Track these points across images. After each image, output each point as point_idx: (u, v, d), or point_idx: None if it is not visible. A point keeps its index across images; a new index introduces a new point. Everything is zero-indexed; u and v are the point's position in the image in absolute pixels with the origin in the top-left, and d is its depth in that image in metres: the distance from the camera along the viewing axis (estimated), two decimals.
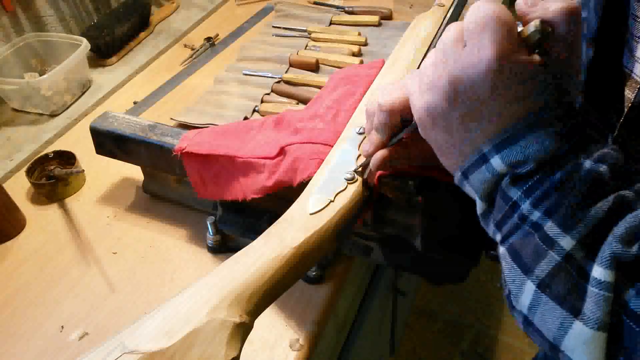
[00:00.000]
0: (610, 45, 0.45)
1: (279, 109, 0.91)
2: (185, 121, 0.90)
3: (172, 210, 0.79)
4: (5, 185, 0.78)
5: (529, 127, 0.35)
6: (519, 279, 0.35)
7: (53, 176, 0.83)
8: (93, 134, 0.74)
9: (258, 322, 0.43)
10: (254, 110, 0.92)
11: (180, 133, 0.69)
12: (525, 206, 0.35)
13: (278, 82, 0.99)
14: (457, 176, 0.40)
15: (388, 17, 1.18)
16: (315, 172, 0.55)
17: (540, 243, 0.34)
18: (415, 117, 0.41)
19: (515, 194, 0.35)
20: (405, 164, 0.50)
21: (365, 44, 1.09)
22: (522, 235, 0.35)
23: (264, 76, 1.00)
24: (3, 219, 0.76)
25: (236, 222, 0.70)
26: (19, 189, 0.85)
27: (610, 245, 0.31)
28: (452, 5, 0.88)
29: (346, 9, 1.21)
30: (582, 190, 0.33)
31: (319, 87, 0.95)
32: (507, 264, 0.36)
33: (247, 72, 1.02)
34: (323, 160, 0.56)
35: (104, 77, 1.09)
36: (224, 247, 0.72)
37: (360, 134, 0.59)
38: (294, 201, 0.51)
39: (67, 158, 0.86)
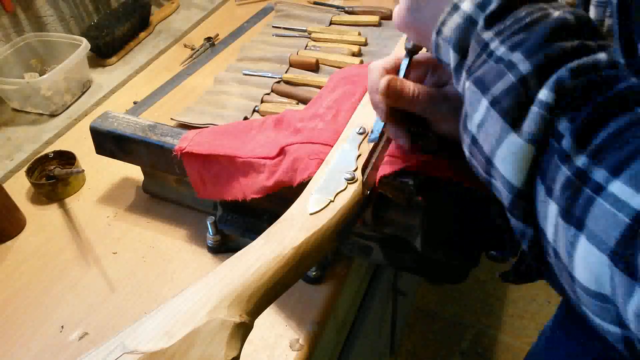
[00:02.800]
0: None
1: (279, 109, 0.91)
2: (185, 121, 0.90)
3: (172, 210, 0.79)
4: (5, 185, 0.78)
5: None
6: (476, 99, 0.37)
7: (53, 176, 0.83)
8: (93, 134, 0.74)
9: (258, 322, 0.43)
10: (254, 110, 0.92)
11: (180, 133, 0.69)
12: (495, 43, 0.37)
13: (278, 82, 0.99)
14: (433, 39, 0.42)
15: (388, 17, 1.18)
16: (315, 172, 0.55)
17: (503, 67, 0.36)
18: (402, 25, 0.47)
19: (487, 35, 0.37)
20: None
21: (365, 44, 1.09)
22: (487, 66, 0.37)
23: (264, 76, 1.00)
24: (3, 219, 0.76)
25: (236, 222, 0.70)
26: (19, 189, 0.85)
27: (559, 73, 0.33)
28: None
29: (346, 9, 1.21)
30: (548, 30, 0.35)
31: (319, 87, 0.95)
32: (469, 92, 0.38)
33: (247, 72, 1.02)
34: (323, 160, 0.56)
35: (104, 77, 1.09)
36: (224, 247, 0.72)
37: (360, 134, 0.59)
38: (294, 201, 0.51)
39: (67, 158, 0.86)
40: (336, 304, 0.69)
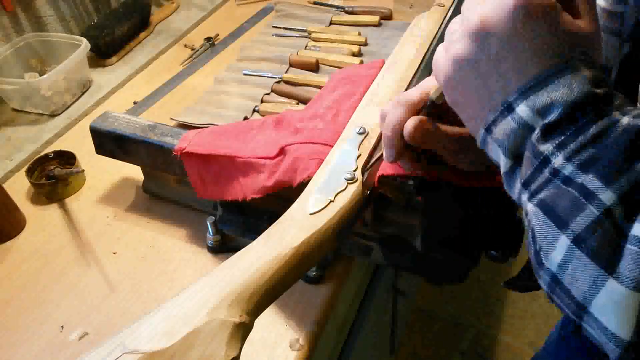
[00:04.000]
0: None
1: (279, 109, 0.91)
2: (185, 121, 0.90)
3: (172, 210, 0.79)
4: (5, 185, 0.78)
5: (558, 73, 0.34)
6: (552, 234, 0.32)
7: (53, 176, 0.83)
8: (93, 134, 0.74)
9: (258, 322, 0.43)
10: (254, 110, 0.92)
11: (180, 133, 0.69)
12: (558, 159, 0.33)
13: (278, 82, 0.99)
14: (481, 134, 0.38)
15: (388, 17, 1.18)
16: (315, 172, 0.55)
17: (579, 196, 0.31)
18: (441, 78, 0.40)
19: (546, 147, 0.33)
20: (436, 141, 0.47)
21: (365, 44, 1.09)
22: (554, 189, 0.33)
23: (264, 76, 1.00)
24: (3, 219, 0.76)
25: (236, 222, 0.70)
26: (19, 189, 0.85)
27: None
28: (452, 5, 0.88)
29: (346, 9, 1.21)
30: (623, 144, 0.31)
31: (319, 87, 0.95)
32: (538, 220, 0.33)
33: (247, 72, 1.02)
34: (323, 160, 0.56)
35: (104, 77, 1.09)
36: (224, 247, 0.72)
37: (360, 134, 0.59)
38: (294, 201, 0.51)
39: (67, 158, 0.86)
40: (336, 304, 0.69)
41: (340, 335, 0.86)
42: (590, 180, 0.31)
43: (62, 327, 0.66)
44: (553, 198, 0.33)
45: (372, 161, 0.56)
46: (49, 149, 0.90)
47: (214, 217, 0.71)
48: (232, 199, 0.65)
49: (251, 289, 0.42)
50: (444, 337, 1.67)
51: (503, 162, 0.37)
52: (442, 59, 0.39)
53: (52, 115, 1.00)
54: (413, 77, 0.72)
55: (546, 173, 0.33)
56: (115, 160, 0.75)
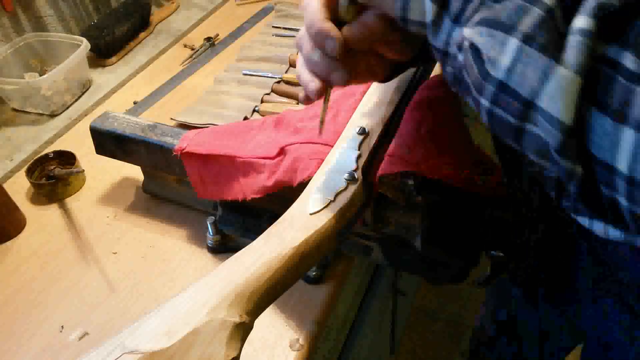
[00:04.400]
0: None
1: (279, 109, 0.91)
2: (185, 121, 0.90)
3: (172, 210, 0.79)
4: (5, 185, 0.78)
5: None
6: (500, 40, 0.33)
7: (53, 176, 0.83)
8: (93, 134, 0.74)
9: (258, 322, 0.43)
10: (254, 110, 0.92)
11: (180, 133, 0.69)
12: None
13: (278, 82, 0.99)
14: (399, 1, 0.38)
15: None
16: (315, 172, 0.55)
17: (521, 2, 0.33)
18: None
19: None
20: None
21: None
22: (490, 8, 0.34)
23: (264, 76, 1.00)
24: (3, 219, 0.76)
25: (236, 222, 0.70)
26: (19, 189, 0.85)
27: None
28: None
29: None
30: None
31: None
32: (481, 37, 0.34)
33: (247, 72, 1.02)
34: (323, 160, 0.56)
35: (104, 77, 1.09)
36: (224, 247, 0.72)
37: (360, 134, 0.59)
38: (294, 201, 0.51)
39: (67, 158, 0.86)
40: (336, 304, 0.69)
41: (340, 335, 0.86)
42: None
43: (62, 327, 0.66)
44: (494, 12, 0.34)
45: (372, 161, 0.56)
46: (49, 149, 0.90)
47: (214, 217, 0.71)
48: (232, 199, 0.65)
49: (251, 289, 0.42)
50: (444, 337, 1.67)
51: (429, 11, 0.37)
52: None
53: (52, 115, 1.00)
54: (413, 76, 0.72)
55: None
56: (115, 160, 0.75)
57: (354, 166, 0.54)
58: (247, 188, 0.63)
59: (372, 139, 0.59)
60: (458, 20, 0.36)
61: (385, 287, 1.10)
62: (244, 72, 1.02)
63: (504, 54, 0.33)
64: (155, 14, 1.27)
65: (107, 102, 1.04)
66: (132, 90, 1.07)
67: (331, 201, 0.50)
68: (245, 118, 0.91)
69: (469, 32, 0.35)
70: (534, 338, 0.99)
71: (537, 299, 0.91)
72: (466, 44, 0.35)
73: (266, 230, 0.48)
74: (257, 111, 0.92)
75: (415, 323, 1.70)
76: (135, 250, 0.74)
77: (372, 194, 0.54)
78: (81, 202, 0.83)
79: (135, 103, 1.00)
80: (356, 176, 0.53)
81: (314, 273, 0.67)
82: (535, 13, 0.32)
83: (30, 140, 0.95)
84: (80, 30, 1.14)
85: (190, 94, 1.01)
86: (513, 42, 0.33)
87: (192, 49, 1.15)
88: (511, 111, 0.34)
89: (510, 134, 0.36)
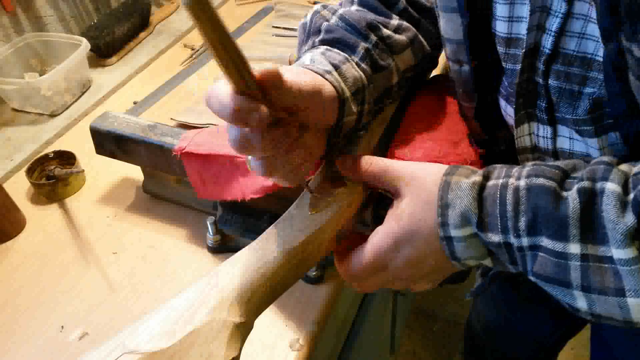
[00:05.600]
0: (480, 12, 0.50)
1: None
2: (185, 121, 0.90)
3: (172, 210, 0.79)
4: (5, 185, 0.78)
5: (447, 190, 0.42)
6: (566, 293, 0.38)
7: (53, 176, 0.83)
8: (93, 134, 0.74)
9: (258, 322, 0.44)
10: None
11: (180, 133, 0.69)
12: (512, 239, 0.39)
13: None
14: (455, 264, 0.44)
15: None
16: (315, 172, 0.55)
17: (555, 260, 0.37)
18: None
19: (497, 238, 0.40)
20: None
21: None
22: (533, 259, 0.39)
23: None
24: (3, 219, 0.76)
25: (236, 222, 0.70)
26: (19, 189, 0.85)
27: (616, 228, 0.35)
28: None
29: None
30: (543, 205, 0.37)
31: None
32: (547, 288, 0.39)
33: None
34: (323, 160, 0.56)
35: (104, 77, 1.09)
36: (224, 247, 0.72)
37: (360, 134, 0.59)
38: (294, 201, 0.51)
39: (67, 158, 0.86)
40: (336, 304, 0.69)
41: (340, 335, 0.86)
42: (548, 244, 0.37)
43: (62, 327, 0.66)
44: (540, 268, 0.38)
45: None
46: (49, 149, 0.90)
47: (214, 217, 0.71)
48: (231, 199, 0.65)
49: (251, 289, 0.42)
50: (444, 337, 1.67)
51: (488, 263, 0.43)
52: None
53: (52, 115, 1.00)
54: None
55: (516, 252, 0.40)
56: (115, 160, 0.75)
57: None
58: (247, 188, 0.63)
59: (372, 139, 0.59)
60: (516, 266, 0.41)
61: None
62: None
63: (577, 301, 0.38)
64: (155, 14, 1.27)
65: (107, 102, 1.04)
66: (132, 90, 1.07)
67: (331, 201, 0.50)
68: None
69: (534, 279, 0.40)
70: (525, 338, 1.00)
71: (530, 299, 0.92)
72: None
73: (266, 230, 0.48)
74: None
75: (415, 323, 1.70)
76: (135, 250, 0.74)
77: (372, 194, 0.54)
78: (81, 202, 0.83)
79: (135, 103, 1.00)
80: None
81: (314, 273, 0.67)
82: (575, 266, 0.37)
83: (30, 140, 0.95)
84: (80, 30, 1.14)
85: (190, 94, 1.01)
86: (578, 294, 0.38)
87: (192, 49, 1.15)
88: (618, 324, 0.38)
89: None
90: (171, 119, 0.92)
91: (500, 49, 0.50)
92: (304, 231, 0.47)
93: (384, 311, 1.17)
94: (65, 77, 0.98)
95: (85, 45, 1.01)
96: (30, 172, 0.83)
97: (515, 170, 0.41)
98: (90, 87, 1.07)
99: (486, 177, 0.42)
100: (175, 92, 1.03)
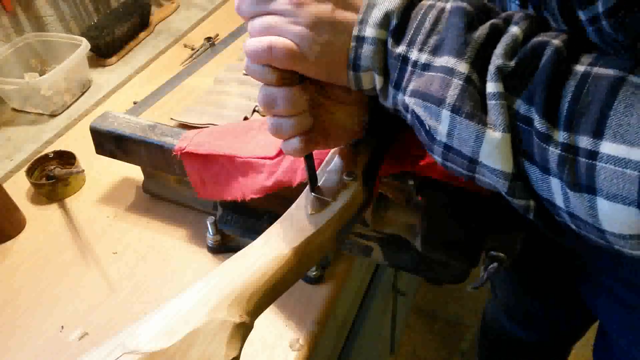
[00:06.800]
0: None
1: None
2: (185, 121, 0.90)
3: (172, 210, 0.79)
4: (5, 185, 0.78)
5: None
6: (435, 112, 0.38)
7: (53, 176, 0.83)
8: (93, 134, 0.74)
9: (258, 322, 0.44)
10: (254, 110, 0.92)
11: (180, 133, 0.69)
12: (413, 54, 0.39)
13: None
14: (350, 77, 0.42)
15: None
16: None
17: (443, 75, 0.37)
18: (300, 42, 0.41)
19: (401, 49, 0.39)
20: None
21: None
22: (420, 77, 0.38)
23: None
24: (3, 219, 0.76)
25: (236, 222, 0.70)
26: (19, 189, 0.85)
27: (494, 62, 0.35)
28: None
29: None
30: (458, 23, 0.37)
31: None
32: (418, 107, 0.39)
33: None
34: (323, 161, 0.56)
35: (104, 77, 1.09)
36: (224, 247, 0.72)
37: None
38: (294, 201, 0.51)
39: (67, 158, 0.86)
40: (336, 304, 0.69)
41: (340, 335, 0.86)
42: (444, 60, 0.37)
43: (62, 327, 0.66)
44: (423, 84, 0.38)
45: (372, 161, 0.56)
46: (49, 149, 0.90)
47: (214, 217, 0.71)
48: (231, 199, 0.65)
49: (251, 289, 0.42)
50: (444, 337, 1.67)
51: (378, 82, 0.41)
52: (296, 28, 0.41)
53: (52, 115, 1.00)
54: None
55: (409, 67, 0.39)
56: (115, 160, 0.75)
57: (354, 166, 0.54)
58: (247, 188, 0.63)
59: (372, 139, 0.59)
60: (398, 88, 0.41)
61: (385, 287, 1.10)
62: (244, 72, 1.02)
63: (440, 123, 0.38)
64: (155, 14, 1.27)
65: (107, 102, 1.04)
66: (132, 90, 1.07)
67: (331, 201, 0.50)
68: (245, 118, 0.91)
69: (408, 100, 0.40)
70: (544, 324, 1.02)
71: (544, 287, 0.94)
72: (410, 109, 0.40)
73: (266, 230, 0.48)
74: (257, 111, 0.92)
75: (415, 323, 1.70)
76: (135, 250, 0.74)
77: (372, 194, 0.54)
78: (81, 202, 0.83)
79: (135, 103, 1.00)
80: (356, 176, 0.53)
81: (314, 273, 0.67)
82: (457, 84, 0.37)
83: (30, 140, 0.95)
84: (80, 30, 1.14)
85: (190, 94, 1.01)
86: (445, 114, 0.37)
87: (192, 49, 1.15)
88: (460, 166, 0.39)
89: (465, 179, 0.41)
90: (171, 119, 0.92)
91: None
92: (304, 231, 0.47)
93: (384, 311, 1.17)
94: (65, 77, 0.98)
95: (85, 45, 1.01)
96: (30, 172, 0.83)
97: None
98: (90, 87, 1.07)
99: None
100: (175, 92, 1.03)
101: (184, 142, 0.67)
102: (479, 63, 0.36)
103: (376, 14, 0.39)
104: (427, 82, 0.38)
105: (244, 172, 0.63)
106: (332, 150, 0.58)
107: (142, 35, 1.20)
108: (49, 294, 0.69)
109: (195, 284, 0.43)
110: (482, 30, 0.37)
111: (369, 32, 0.40)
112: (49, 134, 0.96)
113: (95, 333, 0.65)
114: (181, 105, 0.96)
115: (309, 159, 0.50)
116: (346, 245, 0.67)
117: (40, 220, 0.80)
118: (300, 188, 0.54)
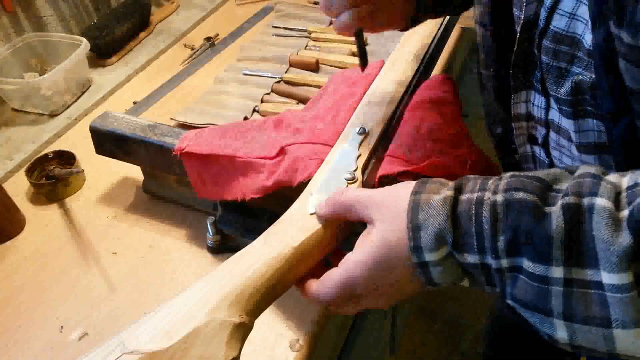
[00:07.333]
0: None
1: (279, 109, 0.91)
2: (185, 121, 0.90)
3: (172, 210, 0.79)
4: (5, 185, 0.78)
5: (417, 210, 0.39)
6: (546, 322, 0.35)
7: (53, 176, 0.83)
8: (93, 134, 0.74)
9: (258, 322, 0.43)
10: (254, 110, 0.92)
11: (180, 133, 0.69)
12: (488, 260, 0.36)
13: (278, 82, 0.99)
14: (423, 283, 0.41)
15: None
16: (315, 172, 0.55)
17: (536, 285, 0.35)
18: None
19: (470, 257, 0.37)
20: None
21: (366, 44, 1.09)
22: (513, 282, 0.36)
23: (264, 76, 1.00)
24: (3, 219, 0.76)
25: (236, 222, 0.70)
26: (19, 189, 0.85)
27: (607, 248, 0.31)
28: None
29: None
30: (522, 220, 0.34)
31: (319, 87, 0.95)
32: (526, 314, 0.36)
33: (247, 72, 1.02)
34: (323, 160, 0.56)
35: (104, 77, 1.09)
36: (224, 247, 0.72)
37: (360, 134, 0.59)
38: (294, 201, 0.51)
39: (67, 158, 0.86)
40: None
41: (340, 335, 0.86)
42: (531, 267, 0.34)
43: (62, 327, 0.66)
44: (520, 292, 0.36)
45: (372, 161, 0.56)
46: (49, 149, 0.90)
47: (214, 217, 0.71)
48: (231, 199, 0.65)
49: (251, 289, 0.42)
50: (444, 337, 1.67)
51: (465, 283, 0.41)
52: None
53: (52, 115, 1.00)
54: (412, 77, 0.72)
55: (495, 274, 0.37)
56: (115, 160, 0.75)
57: (354, 166, 0.54)
58: (247, 188, 0.63)
59: (372, 139, 0.59)
60: (492, 286, 0.39)
61: None
62: (244, 72, 1.02)
63: (557, 331, 0.35)
64: (155, 14, 1.27)
65: (107, 102, 1.04)
66: (132, 90, 1.07)
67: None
68: (245, 118, 0.91)
69: (511, 304, 0.37)
70: None
71: None
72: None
73: (266, 230, 0.48)
74: (257, 111, 0.92)
75: (415, 323, 1.70)
76: (135, 250, 0.74)
77: None
78: (81, 202, 0.83)
79: (135, 103, 1.00)
80: (356, 176, 0.53)
81: None
82: (557, 293, 0.34)
83: (30, 140, 0.95)
84: (80, 30, 1.14)
85: (190, 94, 1.01)
86: (558, 322, 0.35)
87: (192, 49, 1.15)
88: (602, 355, 0.36)
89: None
90: (171, 119, 0.92)
91: (516, 12, 0.49)
92: (304, 231, 0.47)
93: (384, 311, 1.17)
94: (65, 77, 0.98)
95: (85, 45, 1.01)
96: (30, 172, 0.83)
97: (491, 182, 0.38)
98: (90, 87, 1.07)
99: (459, 190, 0.39)
100: (175, 92, 1.03)
101: (184, 142, 0.67)
102: (574, 256, 0.33)
103: (427, 239, 0.38)
104: (522, 290, 0.36)
105: (244, 172, 0.63)
106: (332, 150, 0.58)
107: (142, 35, 1.20)
108: (49, 294, 0.69)
109: (195, 284, 0.43)
110: (558, 221, 0.33)
111: (429, 256, 0.38)
112: (49, 134, 0.96)
113: (95, 333, 0.65)
114: (181, 105, 0.96)
115: (359, 37, 0.55)
116: (346, 245, 0.66)
117: (40, 220, 0.80)
118: (300, 188, 0.54)
